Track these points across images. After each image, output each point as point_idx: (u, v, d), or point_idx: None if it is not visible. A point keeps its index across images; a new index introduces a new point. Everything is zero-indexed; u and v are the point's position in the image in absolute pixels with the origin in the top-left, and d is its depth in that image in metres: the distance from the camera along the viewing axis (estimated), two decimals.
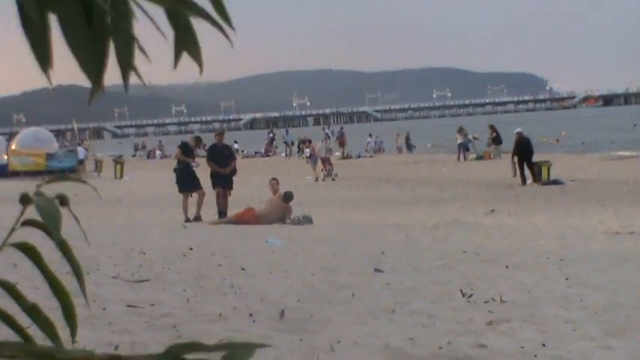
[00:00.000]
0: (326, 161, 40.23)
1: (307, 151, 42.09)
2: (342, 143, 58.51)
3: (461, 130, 48.38)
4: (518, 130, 33.62)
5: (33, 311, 1.17)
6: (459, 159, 46.69)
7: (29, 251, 1.17)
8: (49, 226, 1.10)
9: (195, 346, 1.05)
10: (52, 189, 1.17)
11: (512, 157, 31.90)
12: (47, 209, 1.11)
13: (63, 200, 1.17)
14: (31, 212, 1.15)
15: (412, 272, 10.47)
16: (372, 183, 35.30)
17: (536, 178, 30.54)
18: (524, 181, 30.69)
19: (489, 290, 8.91)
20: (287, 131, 64.74)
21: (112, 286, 8.27)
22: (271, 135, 67.94)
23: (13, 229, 1.18)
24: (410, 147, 60.64)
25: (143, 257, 11.00)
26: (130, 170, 44.66)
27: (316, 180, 38.32)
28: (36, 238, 1.24)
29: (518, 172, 31.16)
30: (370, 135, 62.37)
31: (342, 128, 62.84)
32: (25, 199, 1.15)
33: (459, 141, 47.69)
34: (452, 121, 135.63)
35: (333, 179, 38.25)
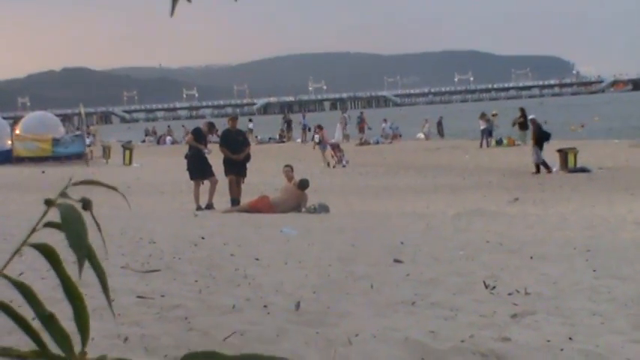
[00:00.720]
0: (336, 147, 40.07)
1: (317, 137, 41.83)
2: (362, 129, 58.41)
3: (483, 116, 48.20)
4: (532, 116, 33.63)
5: (49, 321, 1.16)
6: (481, 145, 46.58)
7: (49, 254, 1.16)
8: (73, 243, 1.09)
9: (211, 356, 1.04)
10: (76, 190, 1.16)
11: (534, 145, 31.61)
12: (71, 218, 1.10)
13: (86, 204, 1.15)
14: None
15: (433, 263, 10.46)
16: (391, 170, 35.25)
17: (564, 164, 30.44)
18: (548, 168, 30.52)
19: (513, 282, 8.88)
20: (304, 116, 64.53)
21: (121, 277, 8.29)
22: (287, 119, 67.74)
23: (34, 229, 1.17)
24: (442, 133, 59.94)
25: (153, 247, 11.02)
26: (139, 156, 44.72)
27: (329, 166, 38.21)
28: (55, 238, 1.23)
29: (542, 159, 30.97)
30: (385, 120, 62.02)
31: (361, 113, 62.56)
32: (49, 202, 1.14)
33: (481, 127, 47.52)
34: (474, 106, 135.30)
35: (344, 166, 38.14)
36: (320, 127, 42.56)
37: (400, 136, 60.22)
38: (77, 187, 1.21)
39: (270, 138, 64.70)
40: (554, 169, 30.54)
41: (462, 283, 8.91)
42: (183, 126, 75.07)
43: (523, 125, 45.48)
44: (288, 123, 66.60)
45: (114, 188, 1.31)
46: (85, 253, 1.10)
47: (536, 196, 22.46)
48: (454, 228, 15.48)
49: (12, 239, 10.24)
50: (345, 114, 62.90)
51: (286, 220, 16.64)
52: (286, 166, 20.65)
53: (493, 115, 49.47)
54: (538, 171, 30.51)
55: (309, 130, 58.67)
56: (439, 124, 61.07)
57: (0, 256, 1.48)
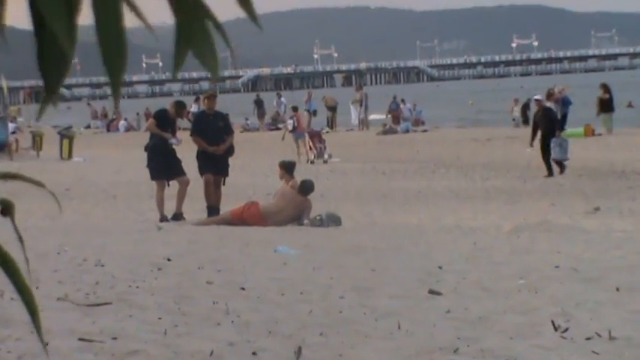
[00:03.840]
0: (315, 136, 40.01)
1: (290, 122, 41.71)
2: (396, 118, 58.42)
3: (550, 95, 47.96)
4: (538, 96, 33.51)
5: None
6: None
7: None
8: None
9: None
10: None
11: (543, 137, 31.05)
12: None
13: (6, 208, 1.15)
14: None
15: (482, 296, 10.46)
16: (426, 168, 35.26)
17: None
18: (550, 169, 30.22)
19: (593, 322, 8.88)
20: (310, 96, 64.44)
21: (57, 312, 8.30)
22: (257, 99, 67.69)
23: None
24: (528, 119, 58.42)
25: (101, 271, 11.03)
26: (82, 148, 44.79)
27: (308, 161, 37.99)
28: None
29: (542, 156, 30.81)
30: (403, 101, 62.11)
31: (395, 98, 62.27)
32: None
33: None
34: (538, 81, 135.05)
35: (325, 161, 38.00)
36: (295, 110, 42.52)
37: (423, 123, 60.30)
38: None
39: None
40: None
41: (523, 323, 8.91)
42: (137, 114, 71.41)
43: (606, 106, 45.25)
44: (258, 104, 66.57)
45: (40, 184, 1.30)
46: None
47: (623, 205, 22.44)
48: (511, 248, 15.47)
49: None
50: (363, 90, 62.91)
51: (283, 235, 16.66)
52: (283, 162, 20.63)
53: (559, 92, 48.72)
54: (550, 173, 30.24)
55: (315, 114, 58.13)
56: (525, 107, 58.77)
57: None
